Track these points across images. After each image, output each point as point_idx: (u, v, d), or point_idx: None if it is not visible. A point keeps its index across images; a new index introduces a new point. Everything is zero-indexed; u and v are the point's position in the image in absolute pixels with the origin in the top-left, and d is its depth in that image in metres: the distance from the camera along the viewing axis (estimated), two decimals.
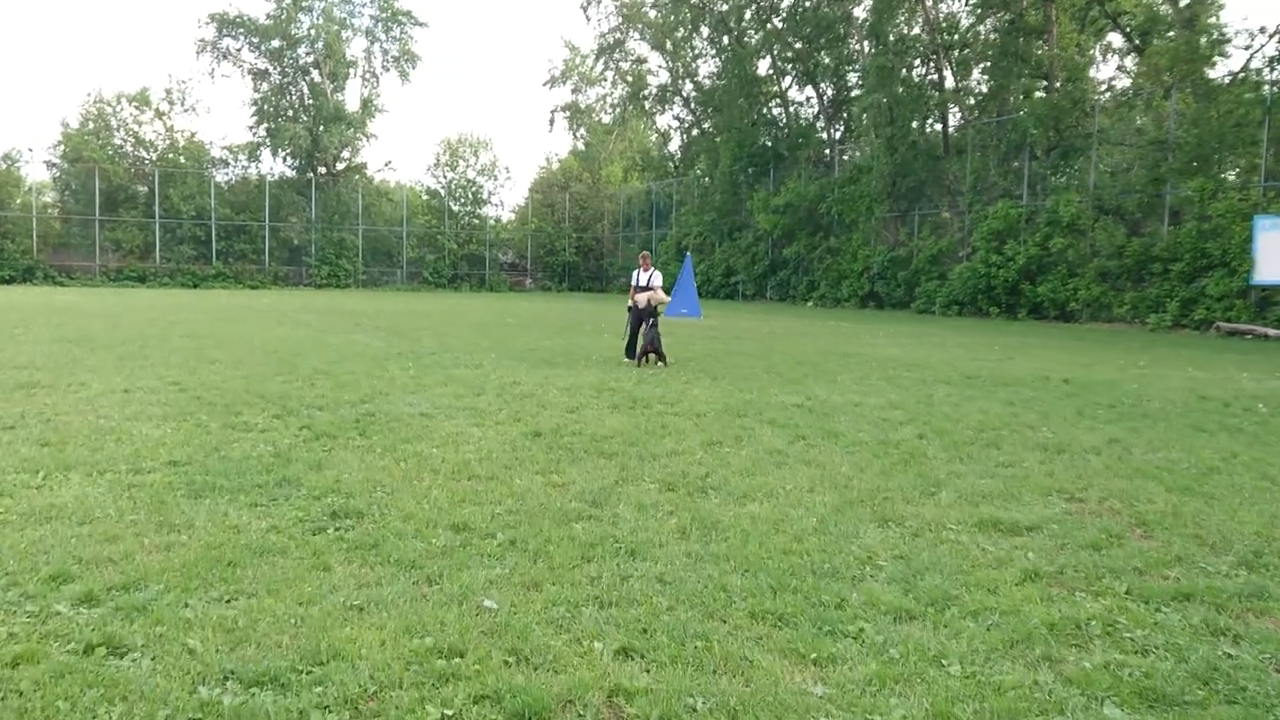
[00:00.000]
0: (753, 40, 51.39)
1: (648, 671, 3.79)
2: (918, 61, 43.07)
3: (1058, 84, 36.93)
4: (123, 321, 22.61)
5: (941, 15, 42.08)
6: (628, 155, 67.56)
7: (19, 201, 51.87)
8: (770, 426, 9.57)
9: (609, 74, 63.45)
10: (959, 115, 42.63)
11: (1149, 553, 5.44)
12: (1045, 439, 9.23)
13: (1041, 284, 34.91)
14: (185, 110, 57.52)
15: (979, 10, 39.85)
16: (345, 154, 61.26)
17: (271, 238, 56.49)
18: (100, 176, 51.83)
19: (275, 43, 58.64)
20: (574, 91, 66.78)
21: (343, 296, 44.00)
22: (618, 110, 64.56)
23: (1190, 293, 30.30)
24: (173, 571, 4.75)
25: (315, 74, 59.80)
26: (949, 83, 42.46)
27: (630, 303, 16.65)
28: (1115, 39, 40.72)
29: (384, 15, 61.55)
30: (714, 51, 56.19)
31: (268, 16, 58.29)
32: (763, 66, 52.17)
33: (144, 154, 55.37)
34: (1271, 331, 26.93)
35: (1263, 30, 31.43)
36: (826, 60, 49.36)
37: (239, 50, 59.19)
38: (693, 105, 59.68)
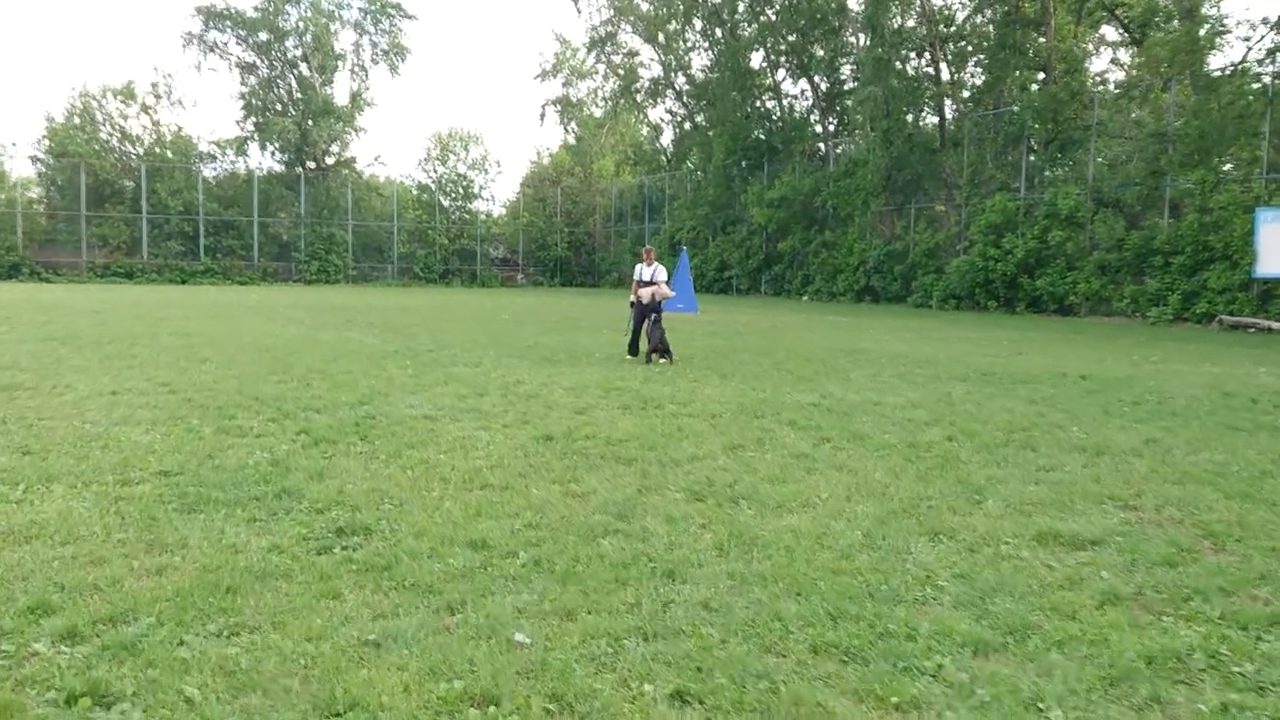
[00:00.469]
0: (746, 33, 50.90)
1: None
2: (913, 54, 42.63)
3: (1055, 76, 36.54)
4: (110, 319, 22.06)
5: (937, 7, 41.62)
6: (619, 149, 66.96)
7: (3, 197, 51.13)
8: (791, 428, 9.13)
9: (600, 67, 62.84)
10: (955, 108, 42.20)
11: (1229, 570, 5.01)
12: (1080, 440, 8.80)
13: (1040, 277, 34.52)
14: (172, 104, 57.02)
15: (977, 2, 39.41)
16: (334, 148, 60.53)
17: (260, 233, 55.81)
18: (86, 171, 51.09)
19: (263, 35, 57.88)
20: (565, 85, 66.14)
21: (333, 292, 43.44)
22: (609, 104, 63.96)
23: (1192, 286, 29.95)
24: (165, 601, 4.28)
25: (304, 67, 59.05)
26: (945, 75, 42.02)
27: (633, 298, 16.20)
28: (1109, 32, 40.46)
29: (373, 8, 60.79)
30: (707, 44, 55.69)
31: (255, 9, 57.53)
32: (756, 59, 51.73)
33: (130, 148, 54.62)
34: (1275, 324, 26.60)
35: (1265, 21, 31.07)
36: (820, 53, 48.90)
37: (226, 43, 58.41)
38: (685, 99, 59.13)
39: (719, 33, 52.96)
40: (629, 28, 59.12)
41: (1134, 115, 35.82)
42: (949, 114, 42.21)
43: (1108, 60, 40.22)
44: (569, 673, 3.64)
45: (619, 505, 6.07)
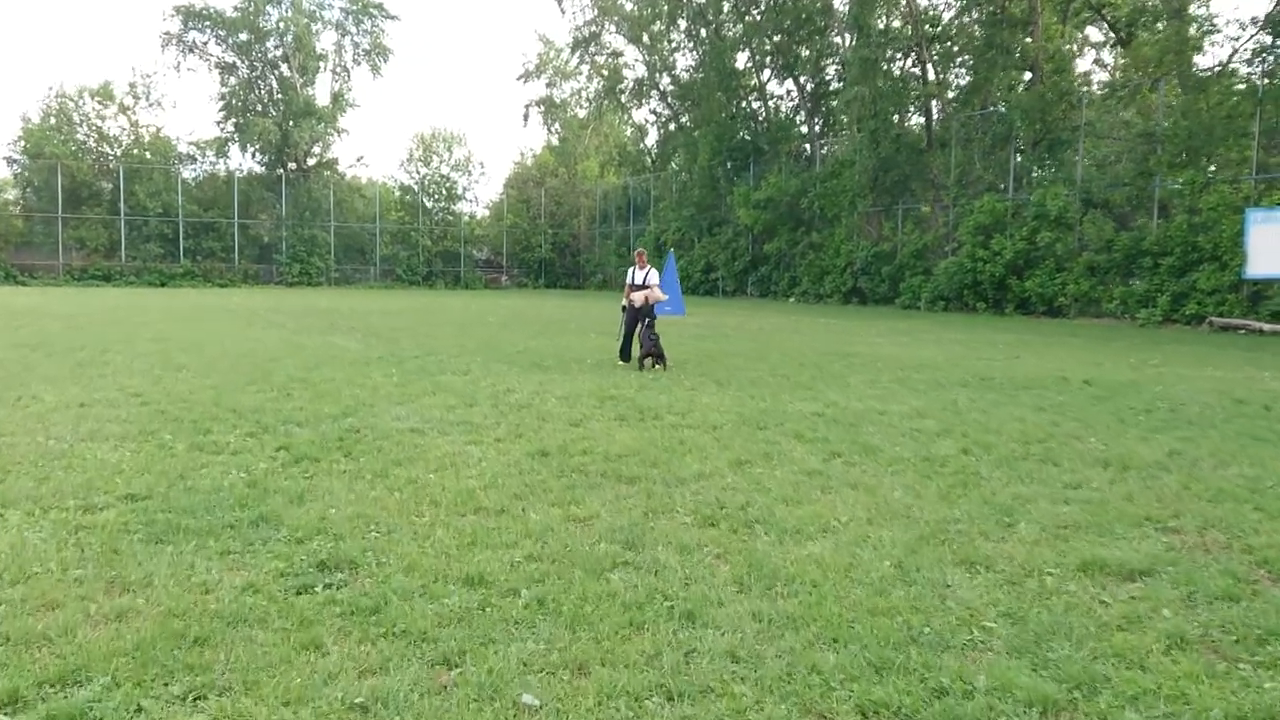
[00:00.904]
0: (731, 33, 50.52)
1: None
2: (900, 54, 42.31)
3: (1043, 76, 36.28)
4: (85, 324, 21.47)
5: (923, 7, 41.31)
6: (604, 150, 66.49)
7: None
8: (797, 441, 8.68)
9: (584, 68, 62.35)
10: (942, 109, 41.88)
11: None
12: (1100, 452, 8.39)
13: (1029, 279, 34.20)
14: (150, 105, 56.14)
15: (964, 1, 39.12)
16: (316, 149, 59.91)
17: (241, 235, 55.13)
18: (63, 173, 50.34)
19: (243, 36, 57.22)
20: (549, 86, 65.62)
21: (315, 295, 42.79)
22: (593, 105, 63.44)
23: (1181, 287, 29.66)
24: (124, 656, 3.79)
25: (284, 68, 58.40)
26: (931, 75, 41.69)
27: (624, 302, 15.75)
28: (1094, 33, 40.24)
29: (354, 8, 60.20)
30: (691, 44, 55.27)
31: (235, 9, 56.85)
32: (741, 59, 51.31)
33: (108, 150, 53.89)
34: (1266, 326, 26.31)
35: (1254, 21, 30.84)
36: (806, 53, 48.53)
37: (205, 43, 57.74)
38: (670, 99, 58.67)
39: (704, 33, 52.58)
40: (613, 28, 58.68)
41: (1123, 116, 35.57)
42: (935, 115, 41.91)
43: (1090, 61, 40.26)
44: None
45: (625, 532, 5.60)
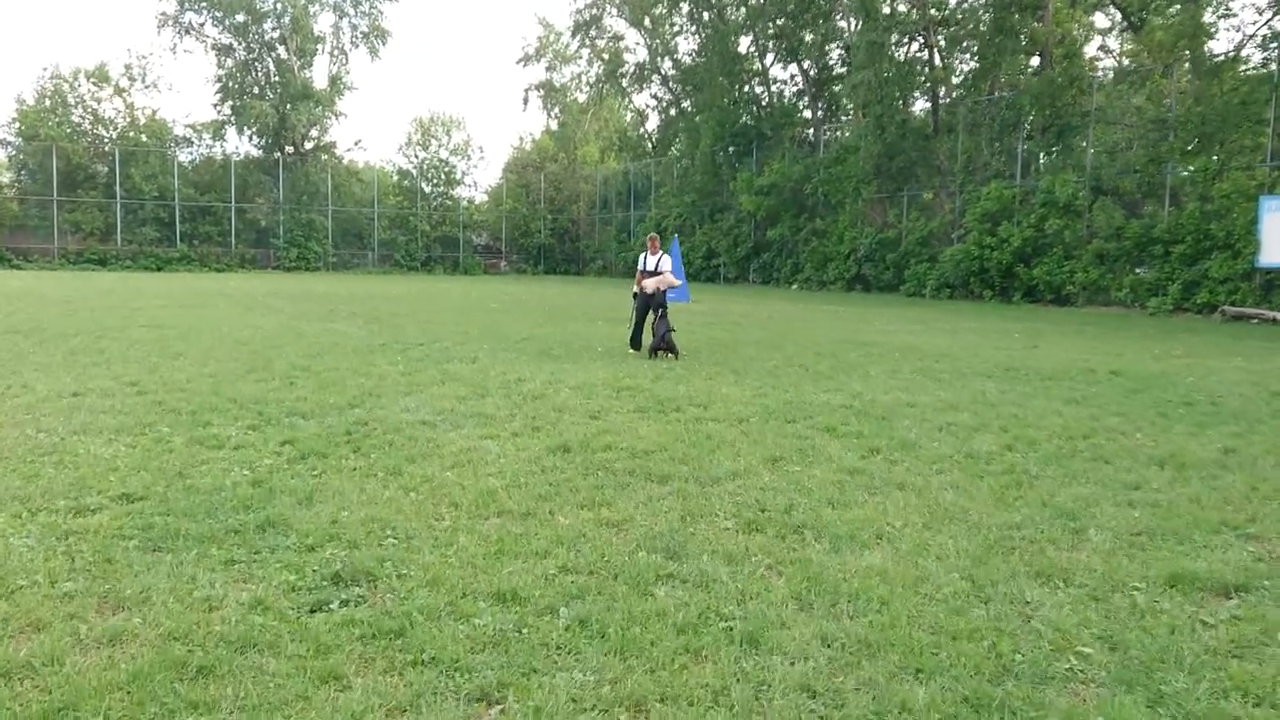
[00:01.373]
0: (734, 16, 49.88)
1: None
2: (907, 38, 41.70)
3: (1054, 60, 35.72)
4: (80, 308, 20.95)
5: None
6: (604, 135, 65.82)
7: None
8: (831, 436, 8.23)
9: (585, 51, 61.63)
10: (949, 94, 41.32)
11: None
12: (1151, 450, 7.94)
13: (1037, 266, 33.71)
14: (146, 87, 55.52)
15: None
16: (313, 133, 59.18)
17: (238, 219, 54.49)
18: (58, 155, 49.64)
19: (239, 17, 56.38)
20: (548, 69, 64.86)
21: (313, 280, 42.23)
22: (594, 89, 62.75)
23: (1192, 275, 29.21)
24: (118, 690, 3.32)
25: (281, 50, 57.63)
26: (938, 60, 41.11)
27: (635, 289, 15.28)
28: (1099, 18, 39.62)
29: None
30: (694, 28, 54.59)
31: None
32: (744, 43, 50.68)
33: (103, 132, 53.17)
34: (1279, 315, 25.89)
35: (1272, 4, 30.30)
36: (810, 37, 47.91)
37: (202, 25, 56.90)
38: (671, 84, 58.03)
39: (706, 16, 51.94)
40: (614, 11, 58.01)
41: (1134, 101, 35.05)
42: (942, 100, 41.35)
43: (1095, 47, 39.65)
44: None
45: (665, 539, 5.14)
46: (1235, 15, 31.90)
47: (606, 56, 59.98)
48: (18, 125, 51.31)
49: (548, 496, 6.00)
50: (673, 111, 58.82)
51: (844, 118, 48.78)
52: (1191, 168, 30.48)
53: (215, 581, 4.39)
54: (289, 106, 56.27)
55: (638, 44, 58.95)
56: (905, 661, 3.69)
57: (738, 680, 3.51)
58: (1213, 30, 31.61)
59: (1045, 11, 35.80)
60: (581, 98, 64.82)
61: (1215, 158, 30.38)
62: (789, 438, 8.09)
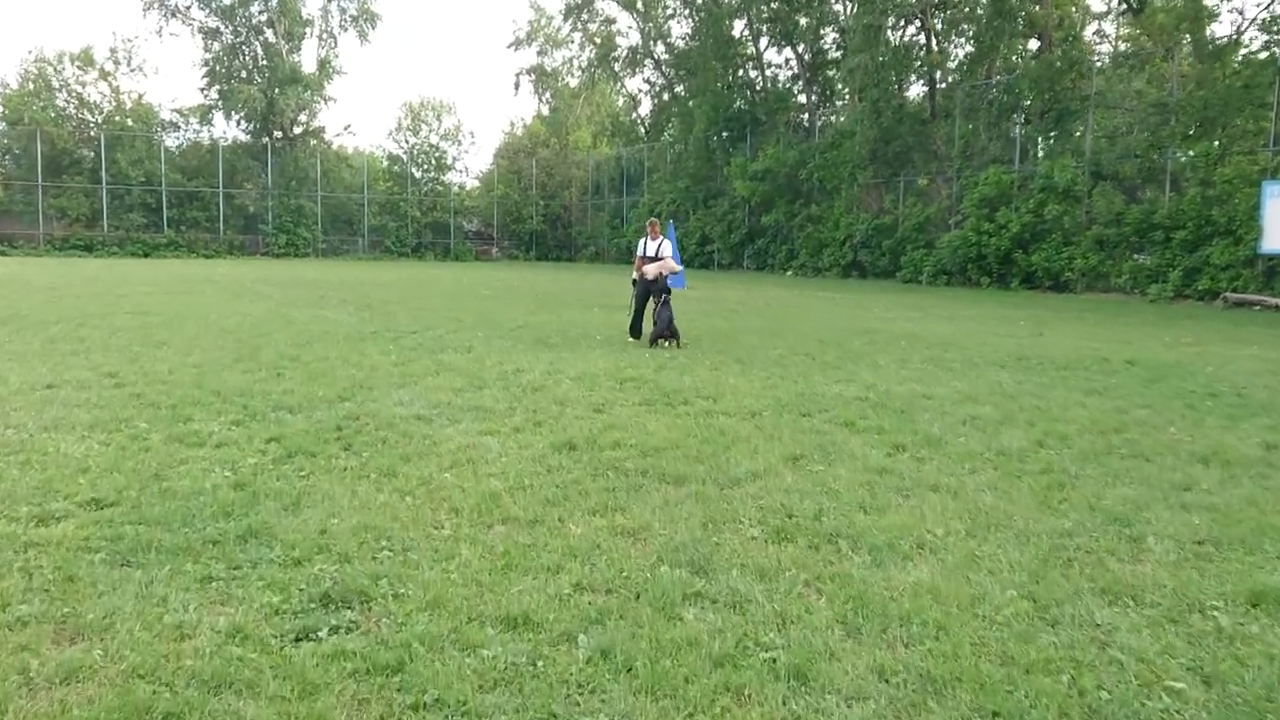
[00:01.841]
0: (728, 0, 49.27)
1: None
2: (903, 21, 41.15)
3: (1053, 42, 35.24)
4: (63, 295, 20.38)
5: None
6: (596, 120, 65.13)
7: None
8: (850, 431, 7.77)
9: (576, 35, 60.90)
10: (946, 78, 40.79)
11: None
12: (1188, 445, 7.50)
13: (1035, 253, 33.25)
14: (132, 70, 54.61)
15: None
16: (302, 117, 58.32)
17: (226, 205, 53.72)
18: (43, 140, 48.82)
19: (227, 0, 55.53)
20: (540, 54, 63.98)
21: (302, 266, 41.58)
22: (586, 73, 62.00)
23: (1193, 262, 28.80)
24: None
25: (269, 33, 56.71)
26: (935, 44, 40.58)
27: (635, 275, 14.80)
28: (1096, 1, 39.20)
29: None
30: (687, 11, 53.88)
31: None
32: (738, 27, 50.06)
33: (89, 117, 52.35)
34: None
35: None
36: (804, 21, 47.31)
37: (188, 7, 55.88)
38: (664, 68, 57.37)
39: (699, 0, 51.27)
40: None
41: (1135, 86, 34.58)
42: (939, 84, 40.84)
43: (1092, 32, 39.08)
44: None
45: (688, 550, 4.67)
46: None
47: (599, 40, 59.26)
48: (2, 109, 50.48)
49: (556, 501, 5.52)
50: (666, 96, 58.17)
51: (839, 102, 48.28)
52: (1193, 152, 30.03)
53: (189, 603, 3.91)
54: (277, 91, 55.43)
55: (630, 28, 58.21)
56: (977, 701, 3.23)
57: None
58: (1215, 13, 31.19)
59: None
60: (573, 82, 64.04)
61: (1217, 142, 29.93)
62: (806, 433, 7.62)
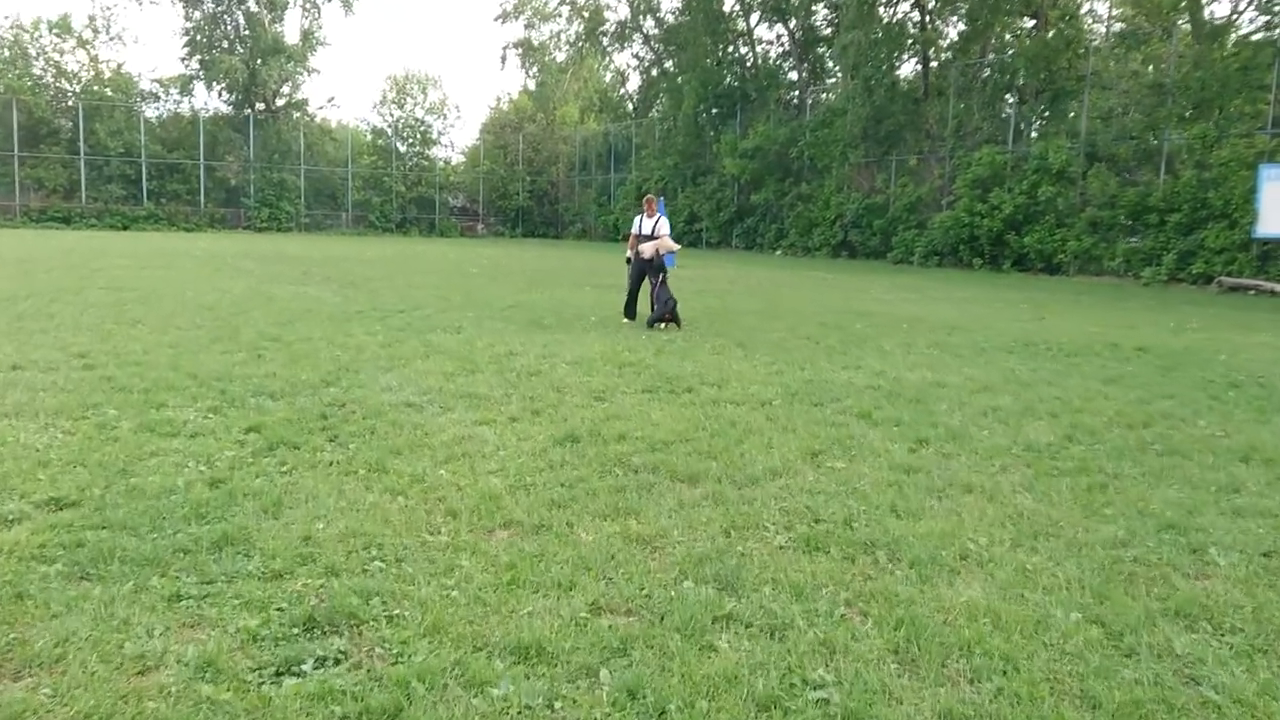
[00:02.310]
0: None
1: None
2: None
3: (1050, 21, 34.76)
4: (36, 269, 19.73)
5: None
6: (584, 95, 64.32)
7: None
8: (867, 423, 7.32)
9: (564, 9, 60.02)
10: (937, 55, 40.26)
11: None
12: (1223, 440, 7.10)
13: (1028, 234, 32.88)
14: (111, 39, 53.45)
15: None
16: (285, 89, 57.30)
17: (207, 177, 52.78)
18: (18, 109, 47.79)
19: None
20: (527, 27, 62.94)
21: (285, 241, 40.84)
22: (574, 48, 61.15)
23: (1188, 245, 28.48)
24: None
25: (251, 2, 55.60)
26: (929, 21, 40.03)
27: (629, 254, 14.31)
28: None
29: None
30: None
31: None
32: (728, 2, 49.39)
33: (66, 86, 51.27)
34: (1278, 287, 25.21)
35: None
36: None
37: None
38: (653, 43, 56.61)
39: None
40: None
41: (1131, 66, 34.15)
42: (932, 63, 40.32)
43: (1084, 11, 38.51)
44: None
45: (712, 562, 4.22)
46: None
47: (587, 14, 58.41)
48: None
49: (561, 503, 5.06)
50: (655, 72, 57.47)
51: (830, 80, 47.74)
52: (1189, 134, 29.67)
53: (154, 628, 3.44)
54: (259, 61, 54.44)
55: (619, 1, 57.38)
56: None
57: None
58: None
59: None
60: (561, 57, 63.16)
61: (1214, 124, 29.56)
62: (821, 425, 7.18)
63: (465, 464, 5.76)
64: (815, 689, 3.14)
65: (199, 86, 55.04)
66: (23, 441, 5.91)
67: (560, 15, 60.83)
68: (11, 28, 50.15)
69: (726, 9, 49.27)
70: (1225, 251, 27.59)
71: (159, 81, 54.57)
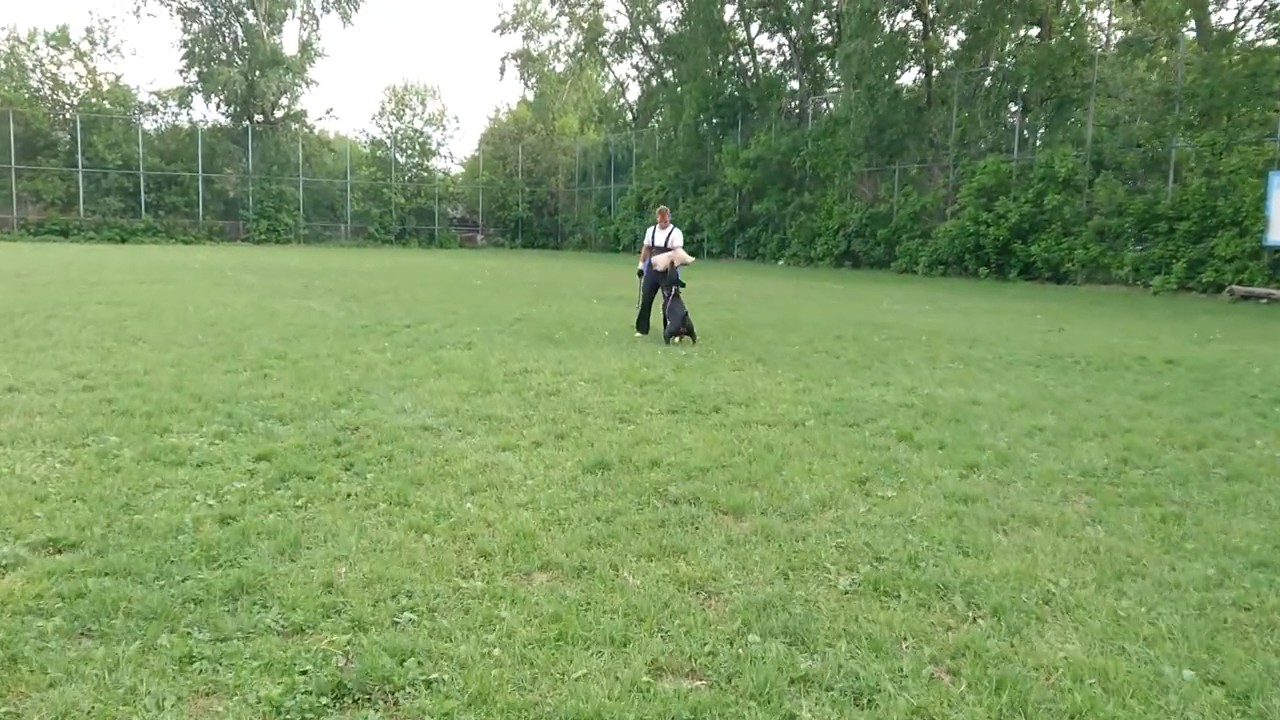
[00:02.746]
0: None
1: None
2: (899, 6, 40.28)
3: (1054, 28, 34.48)
4: (34, 284, 19.33)
5: None
6: (583, 106, 64.04)
7: None
8: (909, 446, 6.94)
9: (563, 19, 59.81)
10: (938, 64, 39.97)
11: None
12: None
13: (1034, 243, 32.56)
14: (109, 51, 53.17)
15: None
16: (283, 101, 57.02)
17: (206, 189, 52.41)
18: (16, 121, 47.45)
19: None
20: (526, 38, 62.79)
21: (284, 253, 40.45)
22: (573, 58, 60.90)
23: (1198, 253, 28.16)
24: None
25: (250, 14, 55.34)
26: (933, 30, 39.76)
27: (641, 265, 13.97)
28: None
29: None
30: None
31: None
32: (729, 11, 49.15)
33: (64, 98, 50.97)
34: None
35: None
36: (797, 6, 46.41)
37: None
38: (653, 53, 56.36)
39: None
40: None
41: (1137, 73, 33.87)
42: (936, 71, 40.04)
43: (1088, 19, 38.26)
44: None
45: (777, 611, 3.83)
46: None
47: (586, 24, 58.21)
48: None
49: (601, 540, 4.67)
50: (655, 82, 57.23)
51: (831, 89, 47.44)
52: (1199, 142, 29.38)
53: (164, 698, 3.05)
54: (258, 73, 54.16)
55: (619, 12, 57.31)
56: None
57: None
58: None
59: None
60: (560, 67, 62.95)
61: (1223, 131, 29.27)
62: (862, 449, 6.79)
63: (492, 495, 5.38)
64: None
65: (197, 98, 54.87)
66: (18, 473, 5.52)
67: (559, 26, 60.74)
68: (8, 39, 49.92)
69: (727, 18, 49.04)
70: (1236, 260, 27.26)
71: (157, 94, 54.42)
